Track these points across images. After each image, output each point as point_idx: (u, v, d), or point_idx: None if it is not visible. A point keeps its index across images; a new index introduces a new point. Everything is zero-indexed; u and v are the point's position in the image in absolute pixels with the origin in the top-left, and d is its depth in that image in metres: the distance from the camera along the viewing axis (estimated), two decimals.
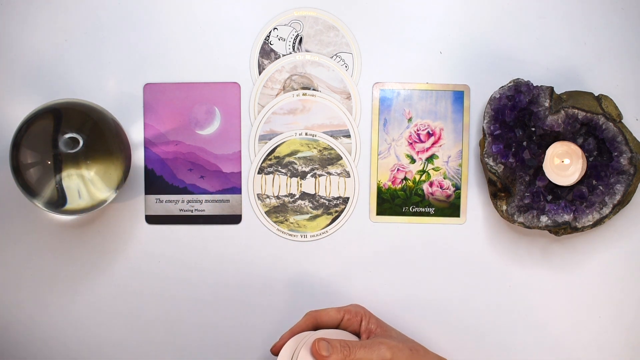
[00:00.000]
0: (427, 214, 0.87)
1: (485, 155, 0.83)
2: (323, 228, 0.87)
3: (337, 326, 0.80)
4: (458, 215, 0.86)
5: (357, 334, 0.80)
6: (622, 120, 0.83)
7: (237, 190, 0.87)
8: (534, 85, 0.83)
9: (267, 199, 0.87)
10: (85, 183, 0.79)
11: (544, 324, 0.86)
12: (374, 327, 0.80)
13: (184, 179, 0.87)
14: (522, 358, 0.86)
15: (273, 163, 0.87)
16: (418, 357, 0.77)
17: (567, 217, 0.82)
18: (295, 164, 0.87)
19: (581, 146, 0.82)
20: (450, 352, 0.86)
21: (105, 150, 0.80)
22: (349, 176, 0.87)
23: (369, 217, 0.87)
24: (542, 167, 0.82)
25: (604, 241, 0.86)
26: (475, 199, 0.87)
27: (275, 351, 0.78)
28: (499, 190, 0.84)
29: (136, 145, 0.87)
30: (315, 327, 0.80)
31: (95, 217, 0.87)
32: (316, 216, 0.87)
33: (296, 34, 0.87)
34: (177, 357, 0.87)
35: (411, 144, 0.87)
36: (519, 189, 0.83)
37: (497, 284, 0.86)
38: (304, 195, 0.87)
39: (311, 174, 0.87)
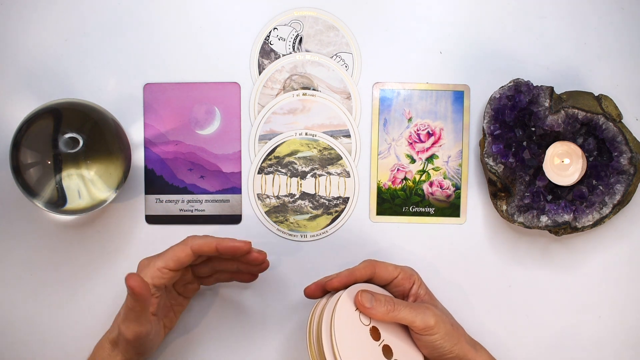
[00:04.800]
0: (427, 214, 0.87)
1: (485, 155, 0.83)
2: (323, 228, 0.87)
3: (390, 281, 0.79)
4: (458, 215, 0.86)
5: (405, 297, 0.80)
6: (622, 120, 0.83)
7: (237, 190, 0.87)
8: (534, 85, 0.83)
9: (267, 199, 0.87)
10: (85, 183, 0.79)
11: (544, 324, 0.86)
12: (422, 292, 0.80)
13: (184, 179, 0.87)
14: (522, 358, 0.86)
15: (273, 163, 0.87)
16: (457, 334, 0.76)
17: (567, 217, 0.82)
18: (295, 164, 0.87)
19: (581, 146, 0.82)
20: None
21: (105, 150, 0.80)
22: (349, 176, 0.87)
23: (369, 217, 0.87)
24: (542, 167, 0.82)
25: (604, 241, 0.86)
26: (475, 199, 0.87)
27: (330, 286, 0.77)
28: (499, 190, 0.84)
29: (136, 145, 0.87)
30: (371, 276, 0.78)
31: (95, 217, 0.87)
32: (316, 216, 0.87)
33: (296, 34, 0.87)
34: (176, 357, 0.87)
35: (411, 144, 0.87)
36: (519, 189, 0.83)
37: (497, 284, 0.86)
38: (304, 195, 0.87)
39: (311, 174, 0.87)
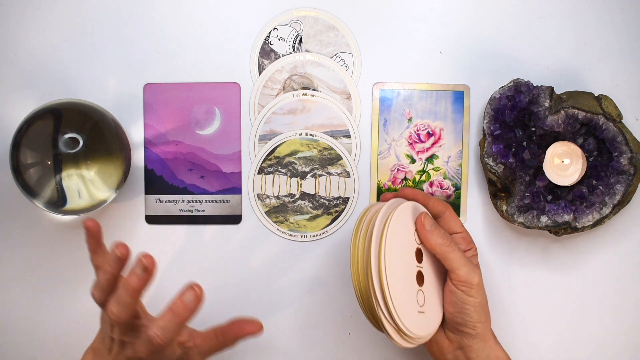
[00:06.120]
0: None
1: (485, 155, 0.83)
2: (323, 228, 0.87)
3: (450, 234, 0.77)
4: (458, 215, 0.86)
5: None
6: (622, 120, 0.83)
7: (237, 190, 0.87)
8: (534, 85, 0.83)
9: (267, 199, 0.87)
10: (85, 183, 0.79)
11: (544, 324, 0.86)
12: (474, 262, 0.77)
13: (184, 179, 0.87)
14: (522, 358, 0.86)
15: (273, 163, 0.87)
16: (487, 316, 0.75)
17: (567, 217, 0.82)
18: (295, 164, 0.87)
19: (581, 146, 0.82)
20: None
21: (105, 150, 0.80)
22: (349, 176, 0.87)
23: None
24: (542, 167, 0.82)
25: (604, 241, 0.86)
26: (475, 199, 0.87)
27: (403, 192, 0.78)
28: (499, 190, 0.84)
29: (136, 145, 0.87)
30: (441, 213, 0.78)
31: (95, 217, 0.87)
32: (316, 216, 0.87)
33: (296, 34, 0.87)
34: None
35: (411, 144, 0.87)
36: (519, 189, 0.83)
37: (497, 284, 0.86)
38: (304, 195, 0.87)
39: (311, 174, 0.87)
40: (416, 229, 0.75)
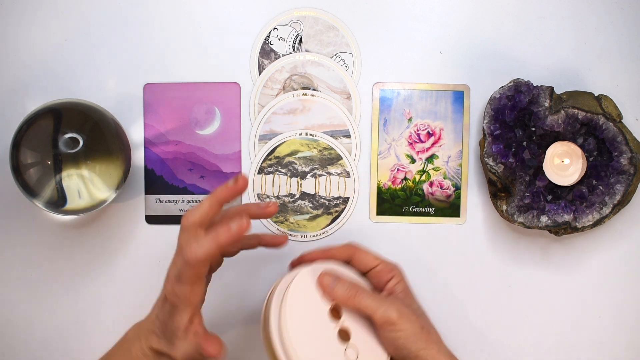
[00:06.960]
0: (427, 214, 0.87)
1: (485, 155, 0.83)
2: (323, 228, 0.87)
3: (368, 270, 0.77)
4: (458, 215, 0.86)
5: (380, 290, 0.77)
6: (622, 120, 0.83)
7: None
8: (534, 85, 0.83)
9: (267, 199, 0.87)
10: (85, 183, 0.79)
11: (544, 324, 0.86)
12: (399, 290, 0.76)
13: (184, 179, 0.87)
14: (522, 358, 0.86)
15: (273, 163, 0.87)
16: (427, 339, 0.72)
17: (567, 217, 0.82)
18: (295, 164, 0.87)
19: (581, 146, 0.82)
20: None
21: (105, 150, 0.80)
22: (349, 176, 0.87)
23: (369, 217, 0.87)
24: (542, 167, 0.82)
25: (604, 241, 0.86)
26: (475, 199, 0.87)
27: (303, 259, 0.78)
28: (499, 190, 0.84)
29: (136, 145, 0.87)
30: (349, 258, 0.77)
31: (95, 217, 0.87)
32: (316, 216, 0.87)
33: (296, 34, 0.87)
34: None
35: (411, 144, 0.87)
36: (519, 189, 0.83)
37: (497, 284, 0.86)
38: (304, 195, 0.87)
39: (311, 174, 0.87)
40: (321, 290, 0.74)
